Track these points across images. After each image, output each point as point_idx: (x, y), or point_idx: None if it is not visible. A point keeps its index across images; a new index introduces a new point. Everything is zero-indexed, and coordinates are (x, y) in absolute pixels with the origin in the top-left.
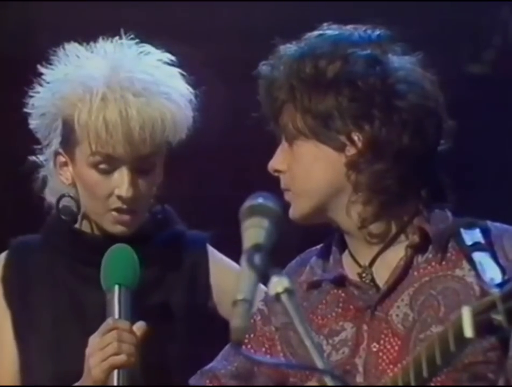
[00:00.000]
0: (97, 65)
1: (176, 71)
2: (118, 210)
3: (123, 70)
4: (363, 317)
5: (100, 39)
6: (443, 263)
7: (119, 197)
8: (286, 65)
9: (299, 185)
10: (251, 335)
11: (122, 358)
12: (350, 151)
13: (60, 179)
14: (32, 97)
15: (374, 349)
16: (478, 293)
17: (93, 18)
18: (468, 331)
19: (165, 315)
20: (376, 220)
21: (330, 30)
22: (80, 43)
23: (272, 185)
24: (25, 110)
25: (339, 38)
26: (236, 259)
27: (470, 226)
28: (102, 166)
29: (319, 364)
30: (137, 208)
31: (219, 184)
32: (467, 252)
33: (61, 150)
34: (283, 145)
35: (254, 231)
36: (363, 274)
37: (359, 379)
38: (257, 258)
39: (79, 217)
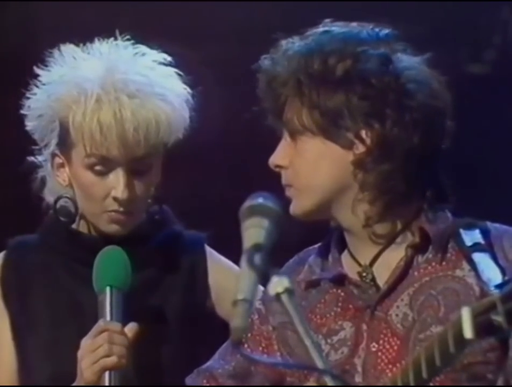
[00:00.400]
0: (92, 67)
1: (172, 71)
2: (113, 212)
3: (118, 71)
4: (362, 317)
5: (96, 40)
6: (444, 263)
7: (115, 199)
8: (293, 60)
9: (302, 181)
10: (249, 334)
11: (113, 360)
12: (359, 149)
13: (57, 181)
14: (28, 98)
15: (373, 349)
16: (478, 294)
17: (91, 18)
18: (468, 332)
19: (163, 316)
20: (381, 219)
21: (336, 27)
22: (77, 44)
23: (272, 185)
24: (22, 112)
25: (348, 36)
26: (235, 259)
27: (470, 227)
28: (97, 167)
29: (319, 364)
30: (133, 210)
31: (218, 183)
32: (467, 252)
33: (57, 152)
34: (286, 141)
35: (254, 231)
36: (364, 274)
37: (358, 379)
38: (257, 258)
39: (77, 218)
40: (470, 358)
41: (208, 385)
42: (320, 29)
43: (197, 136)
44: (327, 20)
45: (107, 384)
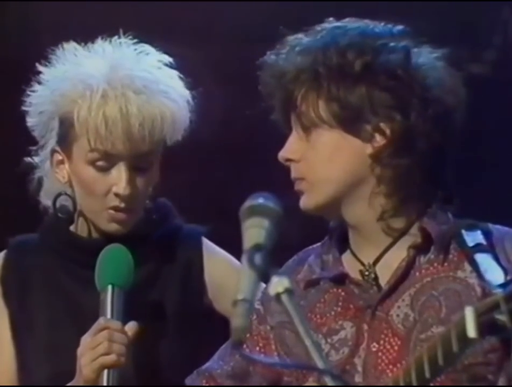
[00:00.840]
0: (96, 64)
1: (175, 73)
2: (114, 208)
3: (123, 68)
4: (363, 316)
5: (99, 39)
6: (445, 264)
7: (117, 195)
8: (307, 54)
9: (317, 174)
10: (247, 334)
11: (112, 358)
12: (378, 142)
13: (56, 178)
14: (30, 95)
15: (374, 349)
16: (480, 295)
17: (92, 18)
18: (472, 332)
19: (161, 313)
20: (396, 213)
21: (348, 23)
22: (79, 43)
23: (271, 185)
24: (23, 108)
25: (364, 30)
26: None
27: (471, 228)
28: (100, 163)
29: (319, 364)
30: (134, 207)
31: (218, 183)
32: (468, 253)
33: (57, 148)
34: (297, 134)
35: (254, 231)
36: (366, 272)
37: (358, 379)
38: (257, 258)
39: (75, 217)
40: (471, 358)
41: (207, 385)
42: (331, 24)
43: (196, 136)
44: (330, 19)
45: (105, 382)
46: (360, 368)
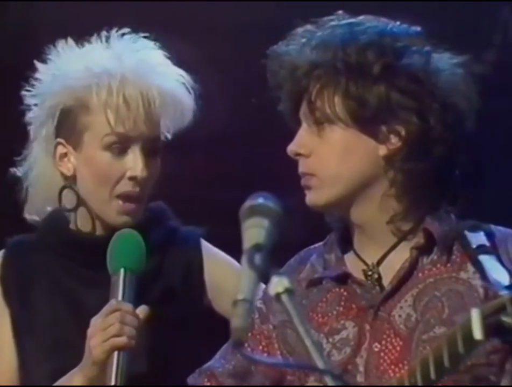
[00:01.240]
0: (104, 52)
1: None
2: (125, 196)
3: (135, 56)
4: (365, 316)
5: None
6: (448, 265)
7: (132, 178)
8: (327, 49)
9: (329, 171)
10: (249, 333)
11: (123, 340)
12: (393, 144)
13: (60, 171)
14: (34, 86)
15: (376, 349)
16: (483, 296)
17: (92, 19)
18: (478, 333)
19: (160, 313)
20: (404, 217)
21: (366, 20)
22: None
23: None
24: (25, 98)
25: (383, 30)
26: (235, 259)
27: (474, 229)
28: (116, 146)
29: (320, 364)
30: (143, 195)
31: (218, 184)
32: (472, 254)
33: (61, 140)
34: (309, 128)
35: (254, 231)
36: (370, 272)
37: (360, 379)
38: (257, 258)
39: (77, 213)
40: (474, 360)
41: (209, 384)
42: (345, 19)
43: (195, 136)
44: (339, 12)
45: (115, 364)
46: (362, 369)
